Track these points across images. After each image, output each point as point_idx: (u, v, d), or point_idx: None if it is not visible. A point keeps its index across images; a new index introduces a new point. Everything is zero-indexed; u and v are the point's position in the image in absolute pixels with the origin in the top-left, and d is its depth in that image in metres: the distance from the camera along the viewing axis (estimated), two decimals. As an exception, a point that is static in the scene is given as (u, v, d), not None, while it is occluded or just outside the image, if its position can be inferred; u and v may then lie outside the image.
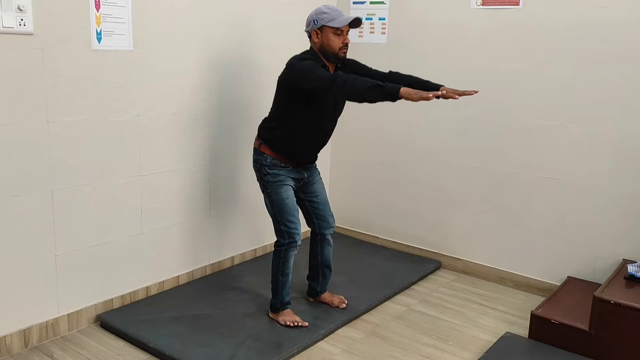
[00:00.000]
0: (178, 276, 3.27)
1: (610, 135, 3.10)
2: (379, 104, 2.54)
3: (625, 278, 2.84)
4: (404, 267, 3.67)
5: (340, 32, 2.66)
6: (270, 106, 2.84)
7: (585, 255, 3.26)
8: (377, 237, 4.09)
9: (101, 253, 2.86)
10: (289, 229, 2.74)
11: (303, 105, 2.67)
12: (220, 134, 3.35)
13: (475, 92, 2.60)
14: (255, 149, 2.83)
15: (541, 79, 3.27)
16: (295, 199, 2.81)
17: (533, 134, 3.34)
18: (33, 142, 2.50)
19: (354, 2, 3.97)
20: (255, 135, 2.86)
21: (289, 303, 2.88)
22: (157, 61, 2.93)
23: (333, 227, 3.00)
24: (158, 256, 3.14)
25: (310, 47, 2.76)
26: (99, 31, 2.67)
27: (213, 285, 3.29)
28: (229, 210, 3.50)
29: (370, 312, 3.13)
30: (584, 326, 2.68)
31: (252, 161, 2.84)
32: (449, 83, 3.57)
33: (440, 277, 3.67)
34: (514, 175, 3.44)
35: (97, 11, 2.65)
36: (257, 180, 2.85)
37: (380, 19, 3.85)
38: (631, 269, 2.84)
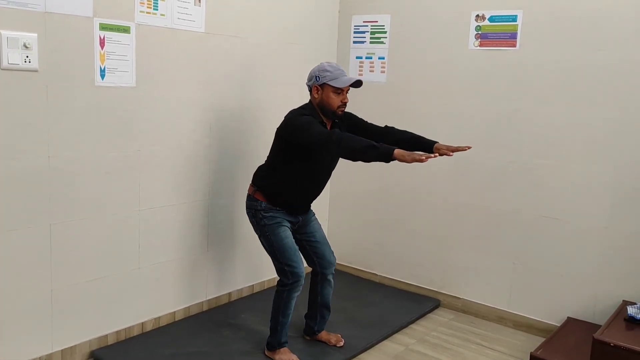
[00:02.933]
0: (174, 312, 3.25)
1: (608, 175, 3.12)
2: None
3: (625, 320, 2.82)
4: (403, 306, 3.64)
5: (340, 91, 2.72)
6: (267, 154, 2.89)
7: (585, 296, 3.24)
8: (375, 274, 4.06)
9: (98, 288, 2.84)
10: (292, 269, 2.73)
11: (299, 157, 2.72)
12: (220, 169, 3.37)
13: (469, 147, 2.67)
14: (249, 195, 2.87)
15: (539, 118, 3.31)
16: (293, 239, 2.82)
17: (532, 173, 3.36)
18: (33, 176, 2.52)
19: (354, 42, 4.04)
20: (250, 182, 2.90)
21: (286, 342, 2.85)
22: (159, 98, 2.97)
23: (334, 265, 2.99)
24: (155, 291, 3.13)
25: (310, 100, 2.81)
26: (102, 68, 2.72)
27: (210, 322, 3.26)
28: (227, 246, 3.49)
29: (368, 351, 3.09)
30: (585, 369, 2.64)
31: (245, 207, 2.88)
32: (447, 122, 3.63)
33: (439, 316, 3.63)
34: (513, 214, 3.45)
35: (102, 49, 2.71)
36: (253, 226, 2.87)
37: (379, 58, 3.92)
38: (631, 310, 2.82)
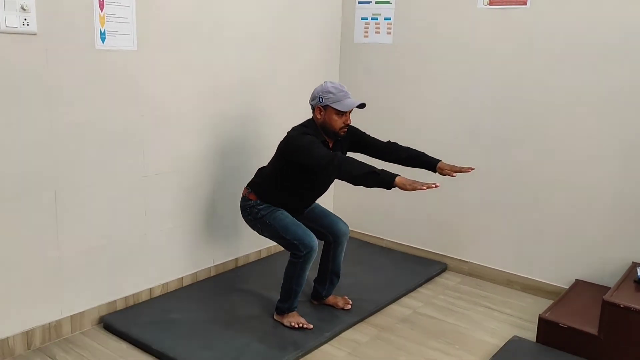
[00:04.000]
0: (182, 277, 3.25)
1: (616, 137, 3.06)
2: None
3: (634, 281, 2.80)
4: (410, 270, 3.63)
5: (343, 113, 2.69)
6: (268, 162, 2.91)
7: (594, 258, 3.22)
8: (382, 239, 4.05)
9: (105, 254, 2.84)
10: (302, 241, 2.70)
11: (298, 173, 2.72)
12: (226, 132, 3.33)
13: (472, 169, 2.71)
14: (243, 197, 2.88)
15: (550, 79, 3.23)
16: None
17: (541, 136, 3.30)
18: (36, 143, 2.49)
19: (359, 2, 3.94)
20: (246, 185, 2.91)
21: (296, 307, 2.85)
22: (162, 61, 2.91)
23: (347, 233, 2.97)
24: (162, 258, 3.12)
25: (312, 118, 2.78)
26: (102, 31, 2.65)
27: (217, 287, 3.26)
28: (233, 212, 3.47)
29: (376, 314, 3.09)
30: (593, 330, 2.63)
31: (240, 209, 2.90)
32: (455, 84, 3.56)
33: (446, 280, 3.63)
34: (522, 177, 3.40)
35: (101, 11, 2.64)
36: (251, 224, 2.88)
37: (385, 18, 3.82)
38: (639, 271, 2.80)
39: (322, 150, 2.56)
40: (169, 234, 3.13)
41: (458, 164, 2.84)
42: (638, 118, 3.00)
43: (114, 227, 2.85)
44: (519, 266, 3.50)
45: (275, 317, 2.89)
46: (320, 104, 2.70)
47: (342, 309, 3.04)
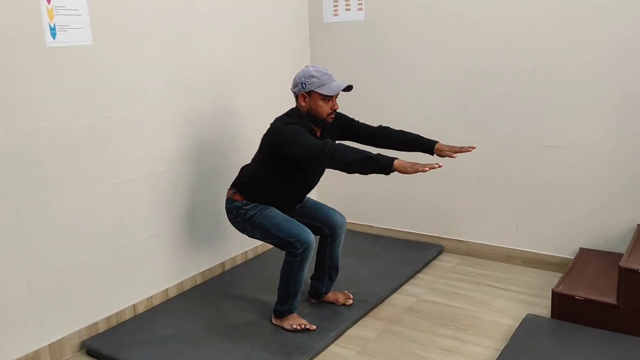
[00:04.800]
0: (166, 289, 3.00)
1: (614, 95, 2.93)
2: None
3: (646, 244, 2.68)
4: (406, 256, 3.46)
5: (329, 98, 2.47)
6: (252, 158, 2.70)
7: (597, 224, 3.10)
8: (371, 226, 3.87)
9: (79, 273, 2.57)
10: (297, 237, 2.48)
11: (287, 166, 2.51)
12: (200, 128, 3.08)
13: (473, 147, 2.53)
14: (227, 199, 2.66)
15: (535, 41, 3.08)
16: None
17: (530, 101, 3.16)
18: (-10, 157, 2.20)
19: (326, -21, 3.72)
20: (230, 186, 2.69)
21: (296, 308, 2.64)
22: (123, 56, 2.65)
23: (344, 224, 2.77)
24: (143, 270, 2.87)
25: (296, 107, 2.56)
26: (52, 26, 2.38)
27: (206, 296, 3.03)
28: (215, 214, 3.23)
29: (379, 307, 2.91)
30: (611, 300, 2.51)
31: (225, 212, 2.69)
32: (433, 58, 3.38)
33: (445, 262, 3.47)
34: (514, 148, 3.26)
35: (49, 3, 2.36)
36: (239, 227, 2.67)
37: (355, -5, 3.62)
38: (651, 233, 2.68)
39: (310, 140, 2.35)
40: (147, 244, 2.87)
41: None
42: (631, 74, 2.87)
43: (86, 242, 2.59)
44: (518, 240, 3.36)
45: (274, 321, 2.68)
46: (303, 90, 2.48)
47: (344, 304, 2.84)
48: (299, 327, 2.59)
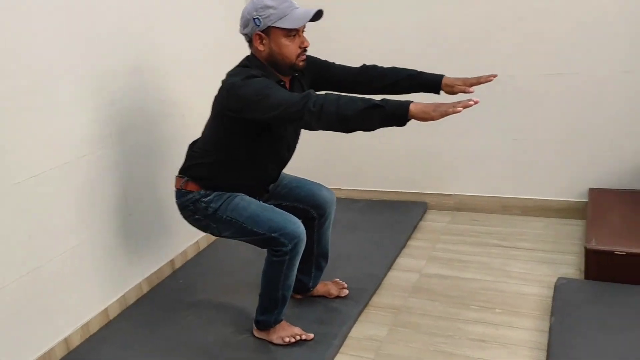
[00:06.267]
0: (106, 309, 2.32)
1: (625, 7, 2.46)
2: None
3: (681, 178, 2.29)
4: (389, 220, 2.94)
5: (295, 32, 1.83)
6: (202, 130, 2.01)
7: (606, 159, 2.70)
8: (340, 189, 3.28)
9: (-18, 315, 1.84)
10: (283, 229, 1.86)
11: (251, 135, 1.87)
12: (123, 97, 2.34)
13: (494, 75, 1.92)
14: (178, 191, 1.99)
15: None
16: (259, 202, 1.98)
17: (523, 24, 2.65)
18: None
19: None
20: (178, 173, 2.01)
21: (284, 315, 2.06)
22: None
23: (333, 201, 2.18)
24: (71, 292, 2.16)
25: (251, 54, 1.89)
26: None
27: (158, 308, 2.38)
28: (153, 204, 2.54)
29: (378, 292, 2.38)
30: (661, 250, 2.11)
31: (178, 208, 2.03)
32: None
33: (433, 222, 2.98)
34: (506, 80, 2.73)
35: None
36: (202, 227, 2.01)
37: None
38: (688, 166, 2.29)
39: (285, 95, 1.73)
40: (72, 256, 2.16)
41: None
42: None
43: (-15, 271, 1.85)
44: (515, 187, 2.91)
45: (257, 334, 2.08)
46: (258, 28, 1.82)
47: (338, 297, 2.29)
48: (293, 340, 2.01)
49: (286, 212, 1.92)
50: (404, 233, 2.81)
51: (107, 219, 2.31)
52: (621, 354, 1.77)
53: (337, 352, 2.01)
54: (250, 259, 2.66)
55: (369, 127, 1.65)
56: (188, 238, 2.80)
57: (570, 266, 2.41)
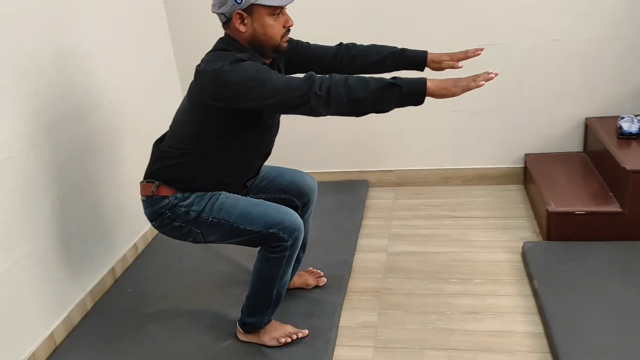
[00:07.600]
0: (52, 333, 1.98)
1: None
2: None
3: (619, 138, 2.46)
4: (338, 201, 2.84)
5: (279, 11, 1.65)
6: (171, 121, 1.78)
7: (540, 125, 2.83)
8: (274, 173, 3.12)
9: None
10: (282, 223, 1.69)
11: (238, 127, 1.67)
12: (48, 86, 1.97)
13: (481, 50, 1.88)
14: (148, 198, 1.73)
15: None
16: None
17: (459, -6, 2.66)
18: None
19: None
20: (144, 177, 1.76)
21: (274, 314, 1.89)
22: None
23: (314, 187, 2.03)
24: (9, 321, 1.81)
25: (227, 36, 1.67)
26: None
27: (114, 324, 2.08)
28: (89, 208, 2.21)
29: (353, 276, 2.30)
30: (615, 207, 2.25)
31: (149, 219, 1.78)
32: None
33: (379, 200, 2.95)
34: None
35: None
36: (182, 237, 1.79)
37: None
38: (624, 125, 2.45)
39: (282, 78, 1.56)
40: (4, 281, 1.80)
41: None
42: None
43: None
44: (454, 158, 2.96)
45: (243, 338, 1.90)
46: (239, 6, 1.60)
47: (316, 286, 2.16)
48: (289, 339, 1.86)
49: (279, 205, 1.75)
50: (357, 213, 2.74)
51: (42, 231, 1.96)
52: (612, 308, 1.87)
53: (334, 346, 1.89)
54: (201, 256, 2.46)
55: (384, 109, 1.55)
56: (125, 241, 2.49)
57: (526, 230, 2.50)
